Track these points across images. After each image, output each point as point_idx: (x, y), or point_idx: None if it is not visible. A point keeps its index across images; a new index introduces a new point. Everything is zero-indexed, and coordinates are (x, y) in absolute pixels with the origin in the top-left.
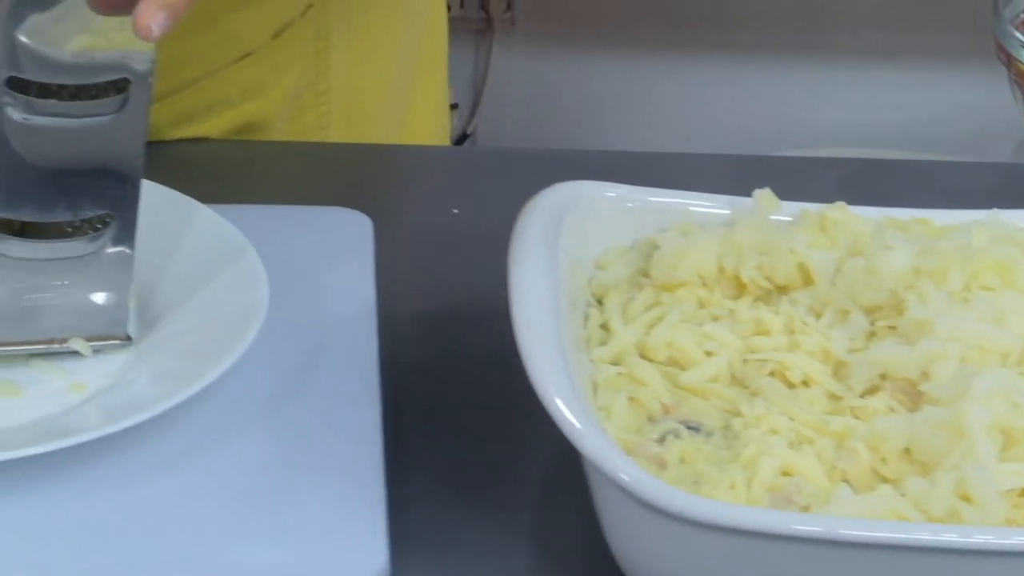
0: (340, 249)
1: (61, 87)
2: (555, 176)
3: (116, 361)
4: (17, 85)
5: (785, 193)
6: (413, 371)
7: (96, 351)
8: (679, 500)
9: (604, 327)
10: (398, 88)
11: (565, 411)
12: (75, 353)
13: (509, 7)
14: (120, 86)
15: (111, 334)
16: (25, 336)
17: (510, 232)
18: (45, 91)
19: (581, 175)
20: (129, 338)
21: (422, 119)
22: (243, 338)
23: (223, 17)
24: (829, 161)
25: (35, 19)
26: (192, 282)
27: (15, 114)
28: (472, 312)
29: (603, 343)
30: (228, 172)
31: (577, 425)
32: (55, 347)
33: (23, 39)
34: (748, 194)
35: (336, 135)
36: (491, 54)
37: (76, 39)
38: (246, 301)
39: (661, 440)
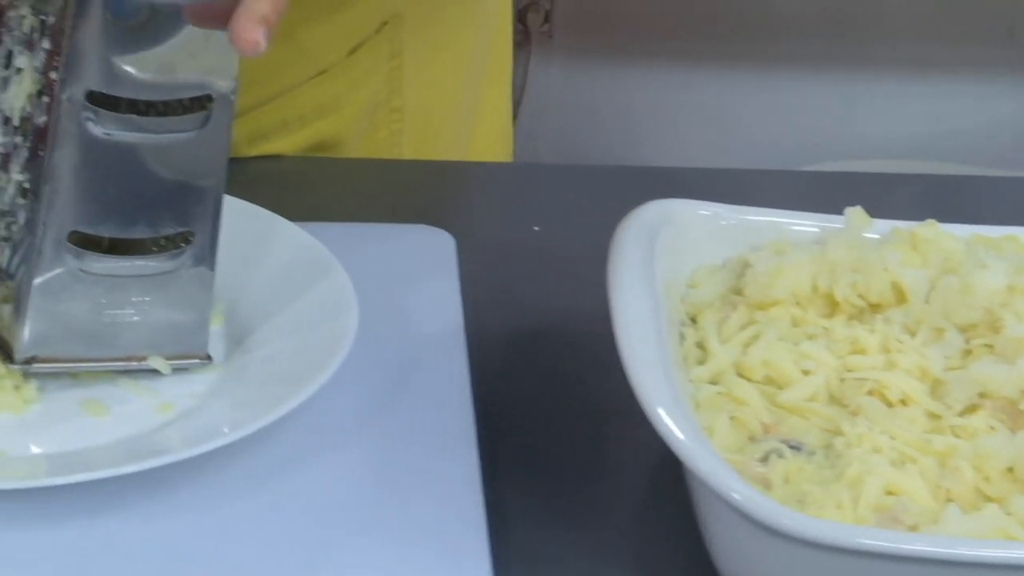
0: (424, 267)
1: (144, 103)
2: (629, 192)
3: (203, 382)
4: (99, 100)
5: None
6: (503, 389)
7: (177, 370)
8: (795, 521)
9: (700, 346)
10: (466, 103)
11: (675, 430)
12: (160, 373)
13: (547, 20)
14: (203, 103)
15: (191, 353)
16: (105, 353)
17: (592, 249)
18: (127, 107)
19: (653, 191)
20: (209, 357)
21: (487, 133)
22: (331, 362)
23: (300, 34)
24: (900, 177)
25: (121, 35)
26: (279, 301)
27: (97, 130)
28: (560, 329)
29: (700, 362)
30: (303, 189)
31: (688, 444)
32: (134, 364)
33: (107, 54)
34: (818, 209)
35: (408, 151)
36: (528, 67)
37: (162, 56)
38: (335, 323)
39: (764, 459)
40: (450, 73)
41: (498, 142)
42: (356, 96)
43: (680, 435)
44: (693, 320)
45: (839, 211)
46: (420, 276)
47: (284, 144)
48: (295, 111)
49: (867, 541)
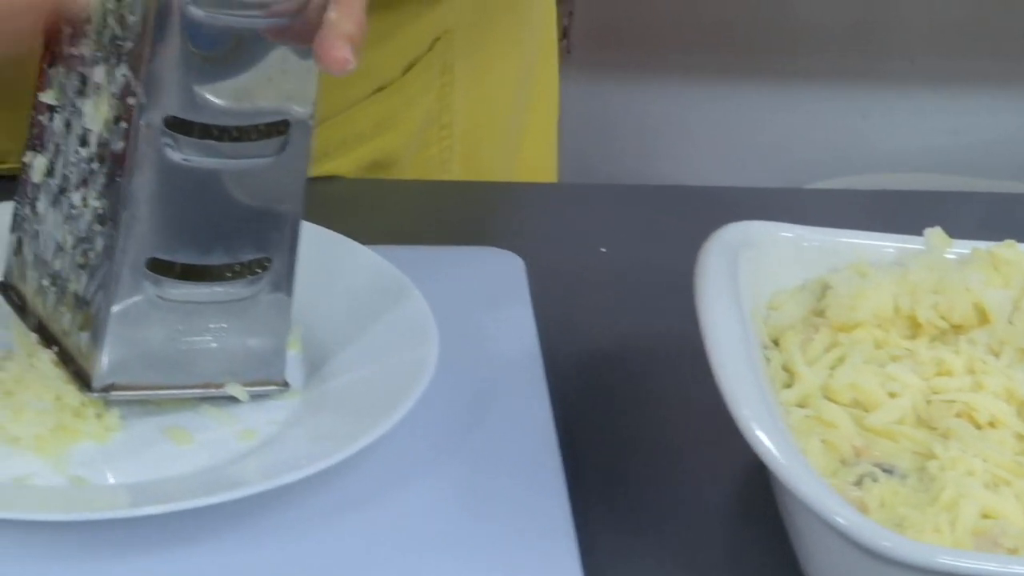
0: (494, 289)
1: (222, 129)
2: (689, 212)
3: (284, 409)
4: (177, 126)
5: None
6: (583, 411)
7: (256, 397)
8: (902, 546)
9: (785, 369)
10: (513, 120)
11: (777, 453)
12: (248, 400)
13: (564, 35)
14: (280, 129)
15: (268, 380)
16: (182, 380)
17: (659, 269)
18: (205, 132)
19: (711, 210)
20: (287, 384)
21: (534, 151)
22: (413, 391)
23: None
24: (956, 195)
25: (200, 61)
26: (356, 325)
27: (175, 156)
28: (635, 350)
29: (787, 385)
30: (363, 211)
31: (791, 468)
32: (211, 391)
33: (186, 80)
34: (878, 228)
35: (456, 169)
36: None
37: (240, 82)
38: (415, 349)
39: (858, 483)
40: (497, 89)
41: (544, 160)
42: (411, 113)
43: (782, 458)
44: (775, 343)
45: (898, 229)
46: (492, 299)
47: (343, 162)
48: (353, 129)
49: (976, 565)
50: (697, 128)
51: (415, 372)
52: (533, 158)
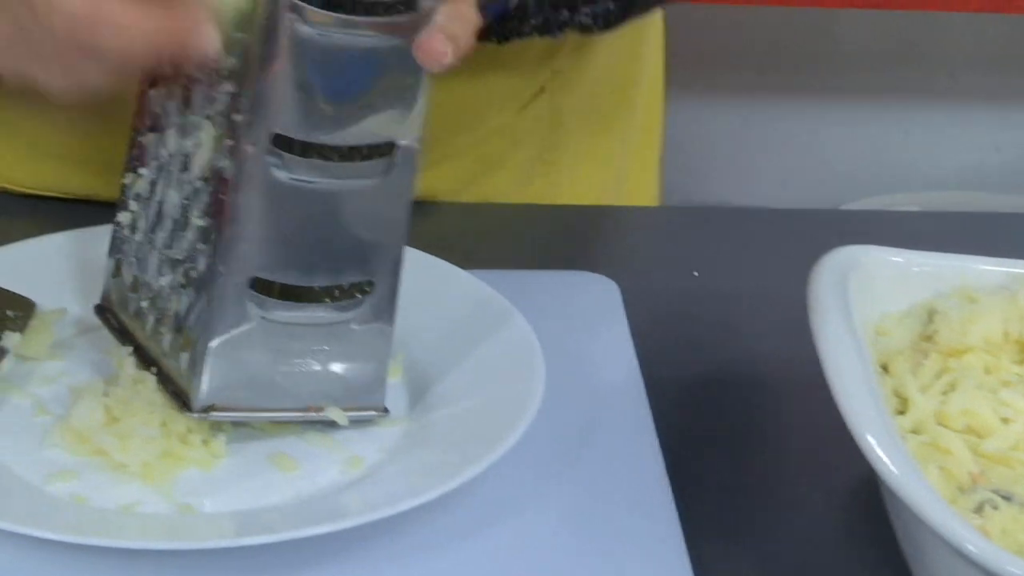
0: (591, 314)
1: (329, 148)
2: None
3: (389, 436)
4: (283, 145)
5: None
6: (688, 437)
7: (355, 423)
8: None
9: (897, 394)
10: (619, 152)
11: (905, 481)
12: (343, 425)
13: None
14: (386, 151)
15: (368, 405)
16: (281, 403)
17: (753, 293)
18: (310, 152)
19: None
20: (386, 411)
21: (637, 182)
22: (521, 421)
23: (469, 96)
24: None
25: (307, 79)
26: (459, 352)
27: (281, 174)
28: (736, 375)
29: (899, 411)
30: (454, 235)
31: (920, 494)
32: (311, 415)
33: (293, 98)
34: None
35: (560, 201)
36: None
37: (347, 101)
38: (520, 377)
39: (978, 510)
40: (605, 124)
41: (648, 187)
42: (517, 152)
43: (911, 486)
44: (884, 368)
45: (992, 252)
46: (589, 324)
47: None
48: (462, 169)
49: None
50: (737, 147)
51: (522, 402)
52: (637, 185)
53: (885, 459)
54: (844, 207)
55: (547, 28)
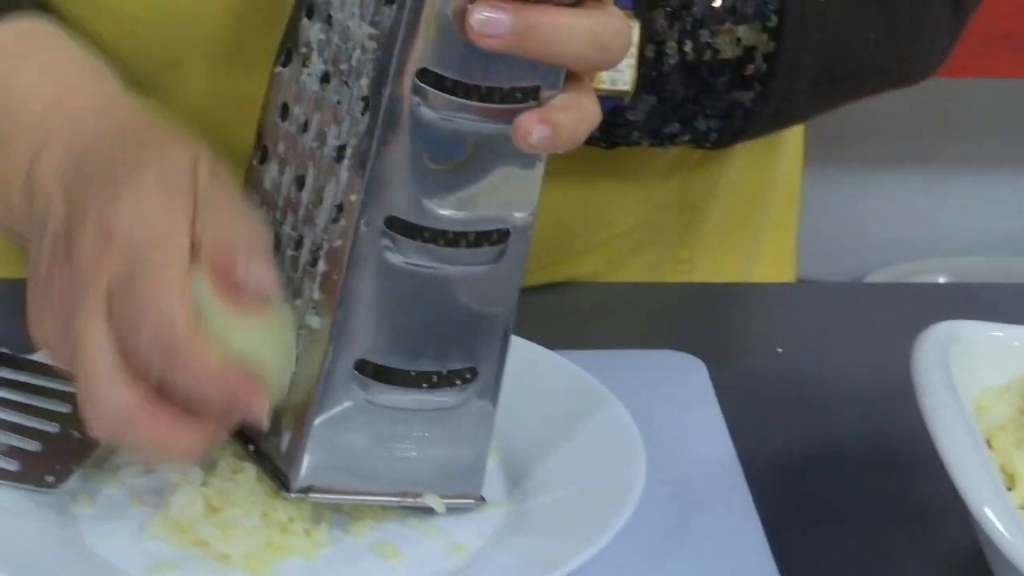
0: (680, 394)
1: (443, 232)
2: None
3: (490, 522)
4: (396, 227)
5: None
6: (790, 518)
7: (452, 510)
8: None
9: (1003, 470)
10: (754, 243)
11: None
12: (445, 512)
13: None
14: (497, 237)
15: (466, 493)
16: (380, 487)
17: (837, 369)
18: (423, 236)
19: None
20: (483, 499)
21: (768, 267)
22: (624, 509)
23: (597, 198)
24: None
25: (425, 163)
26: (555, 435)
27: (394, 258)
28: (833, 453)
29: (1008, 487)
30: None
31: None
32: (409, 501)
33: (410, 182)
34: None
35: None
36: None
37: (464, 186)
38: (620, 463)
39: None
40: (740, 222)
41: (782, 269)
42: (645, 253)
43: None
44: (988, 443)
45: None
46: (679, 404)
47: None
48: (587, 268)
49: None
50: None
51: (624, 488)
52: (768, 270)
53: (1004, 532)
54: (870, 277)
55: (656, 139)
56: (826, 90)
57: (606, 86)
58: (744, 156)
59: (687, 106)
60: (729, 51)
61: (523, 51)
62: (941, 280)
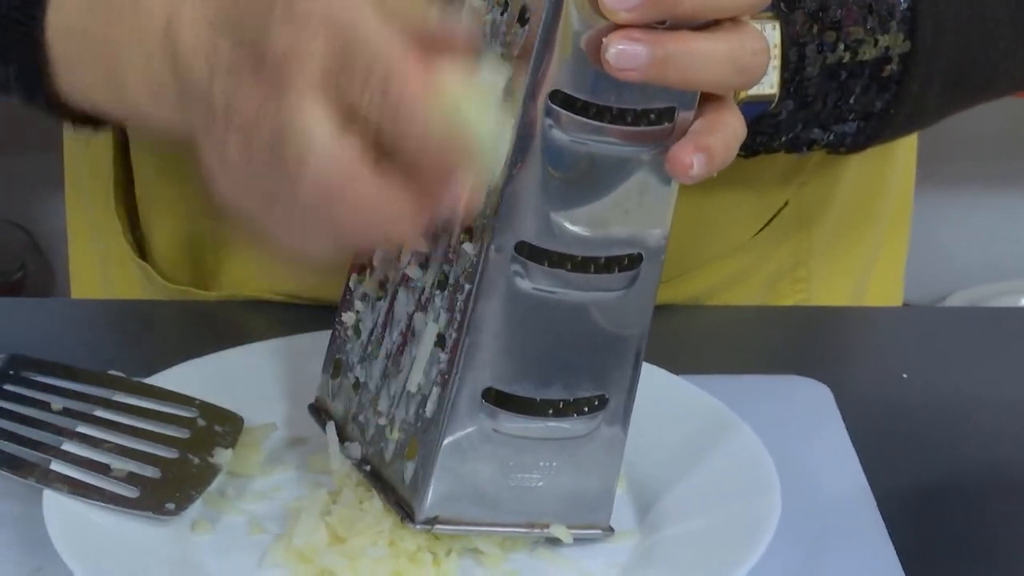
0: (807, 420)
1: (573, 258)
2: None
3: (620, 553)
4: (525, 252)
5: None
6: (924, 547)
7: (580, 541)
8: None
9: None
10: (866, 263)
11: None
12: (572, 543)
13: None
14: (630, 262)
15: (594, 523)
16: (506, 518)
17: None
18: (556, 261)
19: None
20: (611, 530)
21: (881, 287)
22: (761, 538)
23: (710, 211)
24: None
25: (556, 186)
26: (686, 463)
27: (524, 284)
28: (968, 485)
29: None
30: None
31: None
32: (536, 532)
33: (541, 205)
34: None
35: None
36: None
37: (595, 210)
38: (754, 493)
39: None
40: (853, 237)
41: (892, 290)
42: (762, 268)
43: None
44: None
45: None
46: (807, 432)
47: None
48: (704, 284)
49: None
50: None
51: (759, 519)
52: (881, 289)
53: None
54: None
55: (795, 145)
56: (956, 91)
57: (752, 92)
58: (859, 164)
59: (828, 110)
60: (868, 52)
61: (661, 81)
62: (1023, 302)
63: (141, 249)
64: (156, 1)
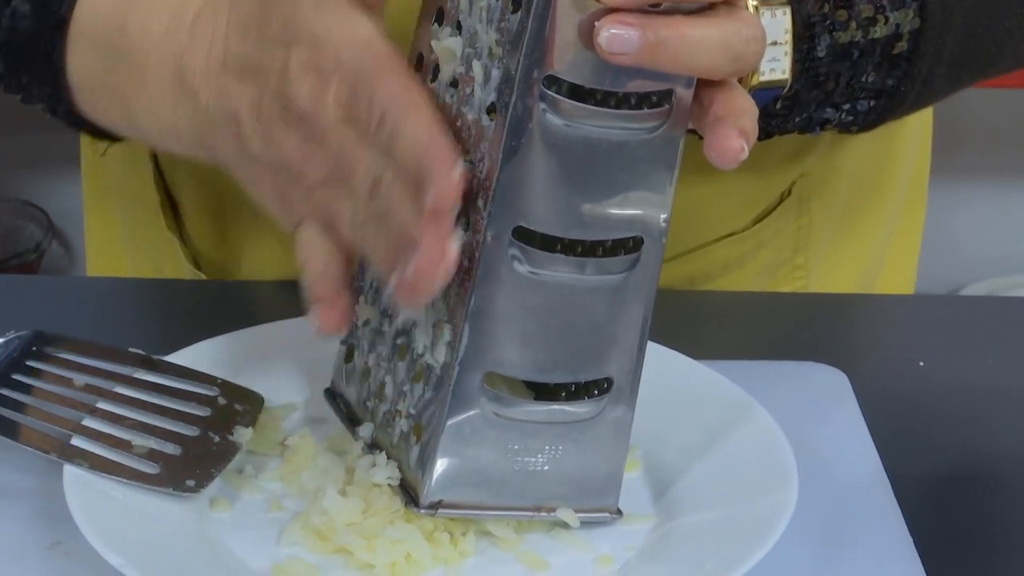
0: (823, 407)
1: (571, 243)
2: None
3: (636, 535)
4: (523, 237)
5: None
6: (941, 535)
7: (587, 524)
8: None
9: None
10: (871, 252)
11: None
12: (578, 527)
13: None
14: (631, 245)
15: (601, 506)
16: (511, 501)
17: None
18: (554, 245)
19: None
20: (620, 512)
21: (891, 275)
22: (778, 524)
23: (711, 201)
24: None
25: (551, 171)
26: (702, 446)
27: (522, 268)
28: (985, 472)
29: None
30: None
31: None
32: (542, 515)
33: (537, 191)
34: None
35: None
36: None
37: (593, 195)
38: (773, 477)
39: None
40: (857, 226)
41: (903, 279)
42: (761, 255)
43: None
44: None
45: None
46: (824, 418)
47: None
48: (700, 268)
49: None
50: None
51: (777, 504)
52: (890, 278)
53: None
54: (966, 290)
55: (809, 125)
56: (964, 68)
57: (764, 78)
58: (859, 154)
59: (841, 89)
60: (880, 30)
61: (653, 65)
62: None
63: (175, 211)
64: (167, 45)
